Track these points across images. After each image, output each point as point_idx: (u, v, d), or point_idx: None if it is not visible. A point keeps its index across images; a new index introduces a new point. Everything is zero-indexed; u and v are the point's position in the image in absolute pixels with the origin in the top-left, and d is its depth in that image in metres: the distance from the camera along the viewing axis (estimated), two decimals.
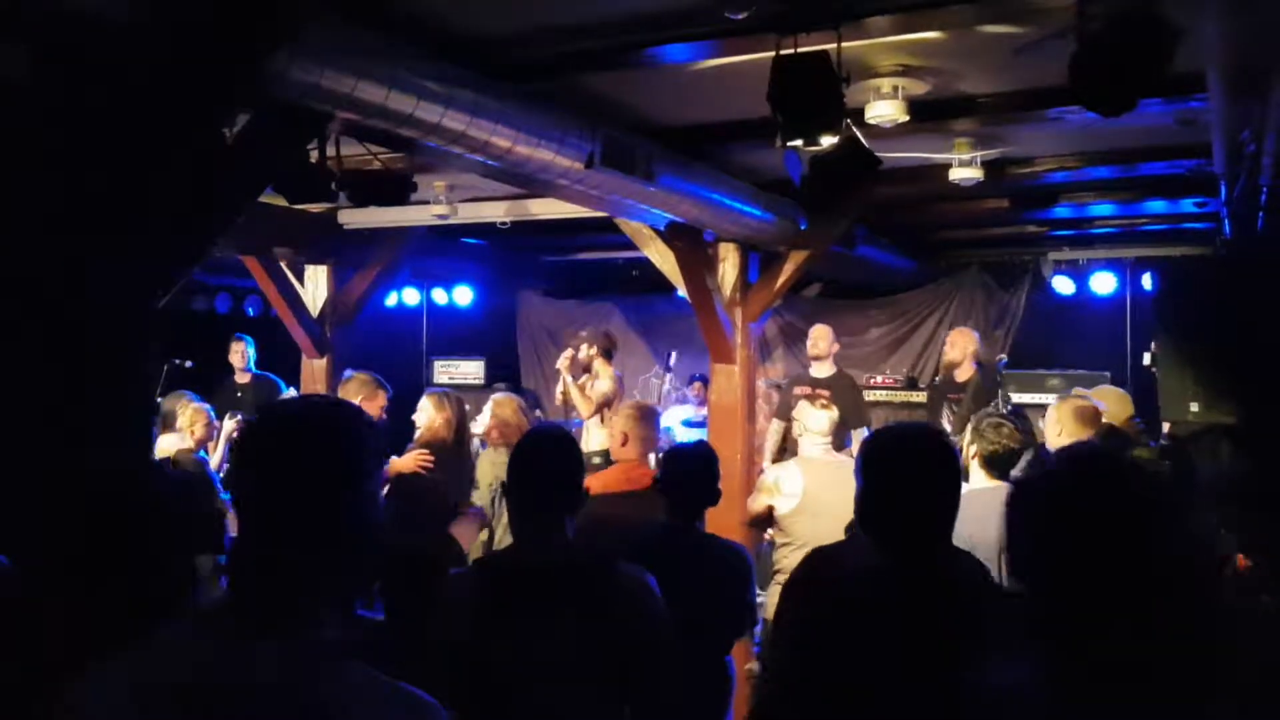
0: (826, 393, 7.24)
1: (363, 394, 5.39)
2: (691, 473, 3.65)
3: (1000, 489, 3.92)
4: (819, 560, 3.01)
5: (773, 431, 7.55)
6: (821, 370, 7.53)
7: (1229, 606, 1.38)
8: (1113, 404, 5.51)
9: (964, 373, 7.39)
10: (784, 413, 7.63)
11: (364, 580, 1.56)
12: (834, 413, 4.94)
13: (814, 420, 4.84)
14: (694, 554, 3.53)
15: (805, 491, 4.63)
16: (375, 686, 1.35)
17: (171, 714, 1.28)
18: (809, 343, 7.60)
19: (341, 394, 5.46)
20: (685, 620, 2.62)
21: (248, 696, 1.28)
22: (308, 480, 1.39)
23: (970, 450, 4.13)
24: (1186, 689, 1.23)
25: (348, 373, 5.65)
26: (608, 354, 7.29)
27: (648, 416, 4.52)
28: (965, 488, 3.96)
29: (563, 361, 7.11)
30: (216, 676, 1.30)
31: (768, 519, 4.80)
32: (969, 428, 4.28)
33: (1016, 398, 7.72)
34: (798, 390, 7.31)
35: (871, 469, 2.34)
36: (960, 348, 7.42)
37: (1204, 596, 1.29)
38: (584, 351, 7.21)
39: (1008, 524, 1.47)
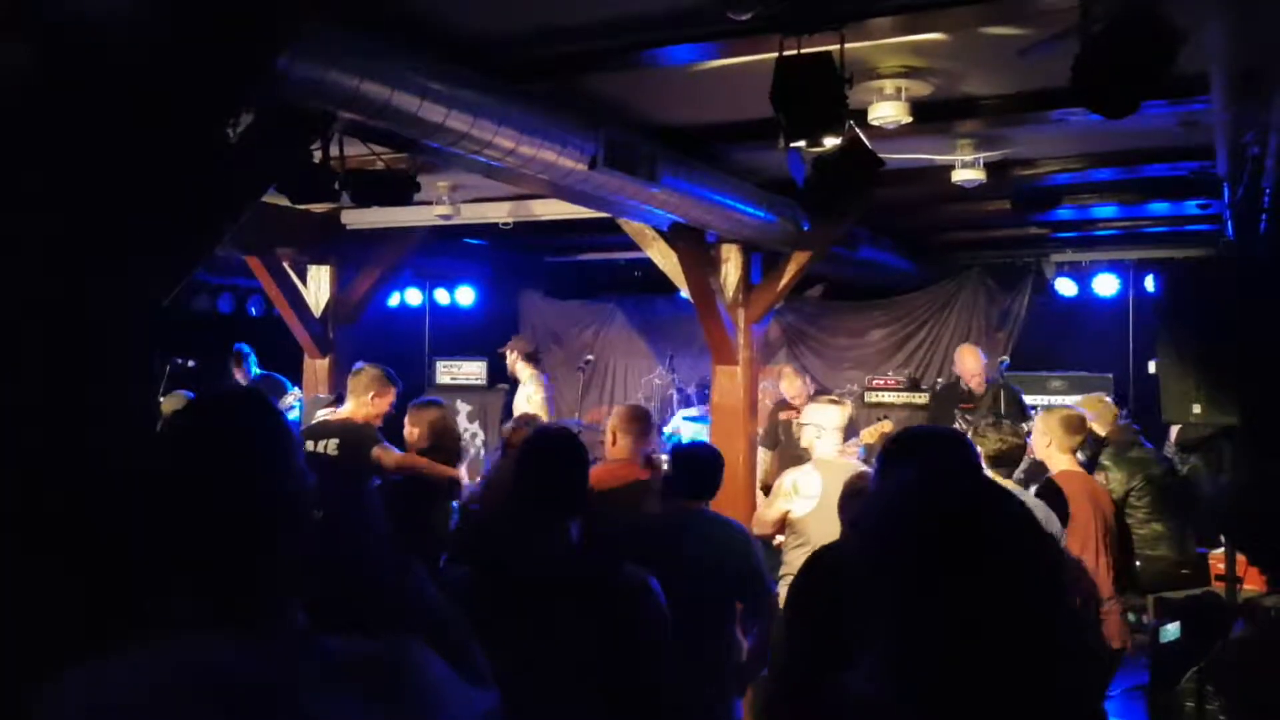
0: None
1: (374, 389, 5.36)
2: (699, 467, 3.88)
3: (1007, 486, 3.97)
4: (820, 560, 3.01)
5: (761, 461, 7.58)
6: (799, 402, 7.82)
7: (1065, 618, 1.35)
8: (1097, 411, 5.55)
9: (977, 385, 7.48)
10: (771, 440, 7.70)
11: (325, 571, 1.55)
12: (847, 408, 5.04)
13: (828, 416, 4.89)
14: (695, 528, 3.71)
15: (823, 493, 4.65)
16: (357, 655, 1.34)
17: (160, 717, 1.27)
18: (784, 389, 8.04)
19: (352, 386, 5.43)
20: (690, 592, 2.72)
21: (243, 695, 1.28)
22: (253, 471, 1.38)
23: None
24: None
25: (359, 365, 5.62)
26: (530, 358, 7.67)
27: (637, 417, 4.56)
28: None
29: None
30: (205, 677, 1.28)
31: (783, 524, 4.83)
32: (970, 434, 4.38)
33: None
34: (783, 415, 7.53)
35: (892, 467, 2.31)
36: (970, 368, 7.55)
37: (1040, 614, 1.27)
38: (509, 359, 7.50)
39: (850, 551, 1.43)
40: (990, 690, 1.22)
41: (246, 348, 8.03)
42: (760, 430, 7.54)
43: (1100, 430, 5.45)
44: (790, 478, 4.87)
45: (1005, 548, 1.27)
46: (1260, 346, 3.94)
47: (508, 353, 7.82)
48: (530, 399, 7.40)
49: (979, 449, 4.20)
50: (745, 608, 3.81)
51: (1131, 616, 4.90)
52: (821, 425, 4.89)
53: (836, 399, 5.17)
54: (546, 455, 2.64)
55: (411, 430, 5.48)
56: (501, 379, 10.34)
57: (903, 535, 1.30)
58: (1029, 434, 4.94)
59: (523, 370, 7.63)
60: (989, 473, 4.12)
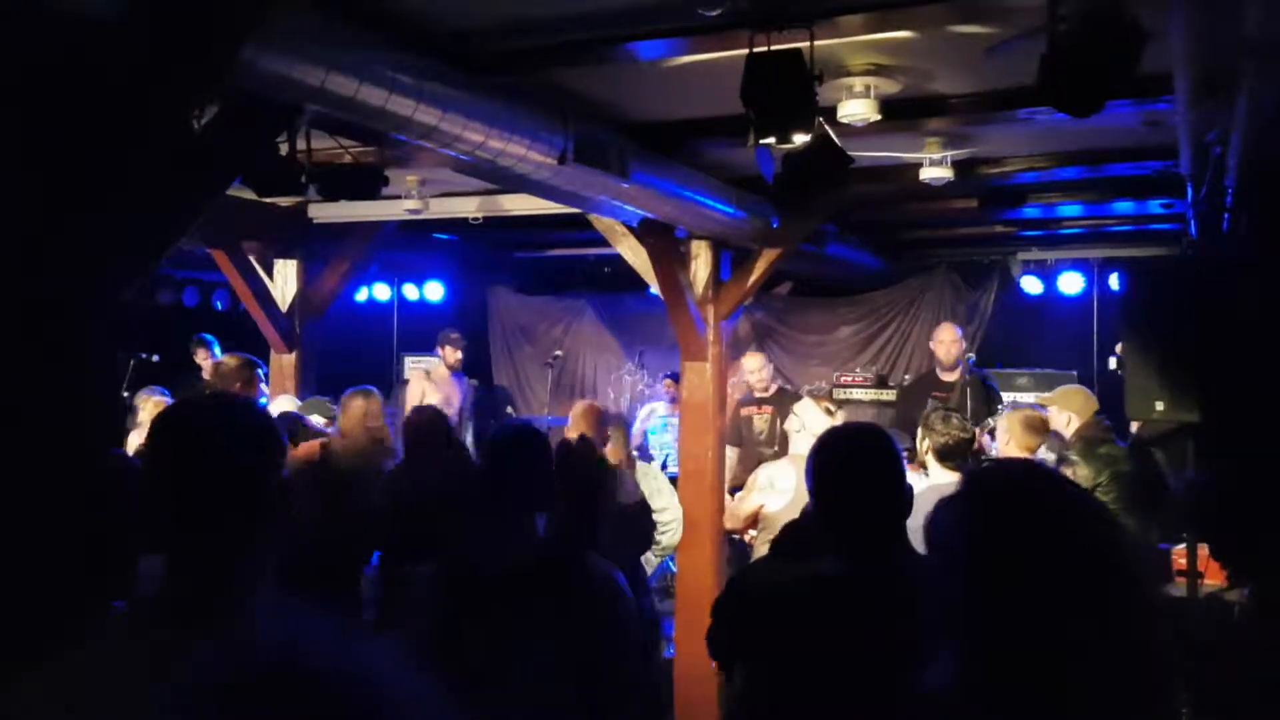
0: (770, 407, 7.50)
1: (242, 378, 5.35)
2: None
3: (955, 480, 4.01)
4: (747, 577, 3.00)
5: (727, 457, 7.56)
6: (764, 393, 7.83)
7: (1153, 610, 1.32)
8: (1078, 402, 5.57)
9: (950, 374, 7.33)
10: (734, 437, 7.70)
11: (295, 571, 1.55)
12: (838, 417, 5.00)
13: (818, 421, 4.88)
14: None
15: (798, 488, 4.65)
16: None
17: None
18: (749, 377, 7.89)
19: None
20: None
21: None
22: (233, 471, 1.38)
23: (924, 445, 4.25)
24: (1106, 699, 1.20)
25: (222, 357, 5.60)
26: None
27: (598, 418, 4.51)
28: (924, 482, 4.05)
29: None
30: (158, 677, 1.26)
31: (755, 519, 4.82)
32: (920, 425, 4.42)
33: None
34: (744, 411, 7.52)
35: (821, 472, 2.34)
36: (954, 346, 7.44)
37: (1128, 604, 1.25)
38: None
39: (929, 535, 1.41)
40: (1072, 686, 1.19)
41: (210, 337, 7.94)
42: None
43: (1076, 422, 5.48)
44: (766, 472, 4.86)
45: (1084, 540, 1.26)
46: (1221, 345, 3.99)
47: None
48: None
49: (926, 442, 4.26)
50: None
51: None
52: (813, 431, 4.87)
53: (833, 410, 5.12)
54: (515, 451, 2.62)
55: None
56: (469, 374, 10.30)
57: (977, 535, 1.29)
58: (993, 429, 4.97)
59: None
60: (936, 466, 4.19)
